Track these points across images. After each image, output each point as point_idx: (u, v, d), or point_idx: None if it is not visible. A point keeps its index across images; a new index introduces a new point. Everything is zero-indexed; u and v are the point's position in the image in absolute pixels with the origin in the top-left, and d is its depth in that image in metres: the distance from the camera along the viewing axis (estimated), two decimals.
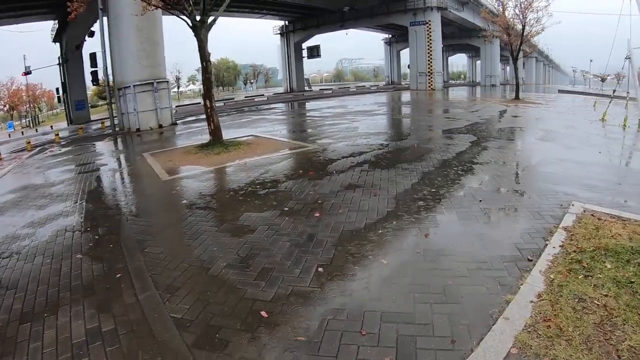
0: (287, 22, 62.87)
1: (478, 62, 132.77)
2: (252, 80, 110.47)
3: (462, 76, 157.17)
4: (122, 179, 10.08)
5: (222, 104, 37.55)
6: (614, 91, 22.56)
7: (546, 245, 4.82)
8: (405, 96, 38.88)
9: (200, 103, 43.33)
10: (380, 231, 5.30)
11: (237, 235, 5.40)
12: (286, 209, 6.32)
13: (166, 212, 6.95)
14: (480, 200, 6.37)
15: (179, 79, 79.04)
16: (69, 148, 16.74)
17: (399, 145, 11.28)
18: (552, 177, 7.70)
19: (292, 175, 8.45)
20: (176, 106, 43.91)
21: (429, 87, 48.87)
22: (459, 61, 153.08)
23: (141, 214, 6.84)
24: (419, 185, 7.33)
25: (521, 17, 29.28)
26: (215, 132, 12.26)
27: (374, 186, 7.33)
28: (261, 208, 6.44)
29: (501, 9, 30.29)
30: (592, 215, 5.80)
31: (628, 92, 18.12)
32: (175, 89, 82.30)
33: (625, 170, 8.91)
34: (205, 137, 13.62)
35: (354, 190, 7.10)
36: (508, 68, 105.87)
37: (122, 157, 13.35)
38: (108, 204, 7.72)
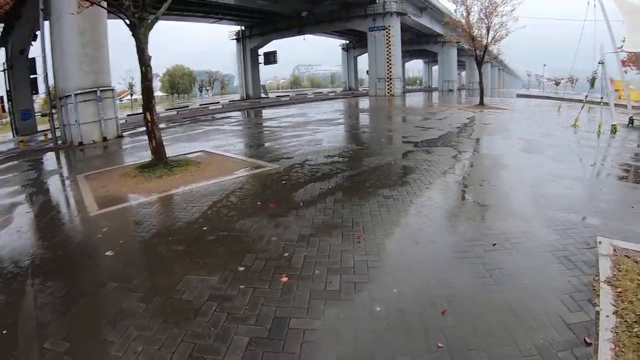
0: (243, 28, 61.02)
1: (434, 67, 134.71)
2: (208, 88, 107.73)
3: (418, 81, 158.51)
4: (43, 215, 7.71)
5: (175, 112, 35.46)
6: (587, 96, 21.89)
7: (597, 313, 3.53)
8: (366, 103, 37.68)
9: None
10: (378, 309, 3.73)
11: (173, 322, 3.66)
12: (241, 268, 4.62)
13: (85, 272, 4.94)
14: (495, 244, 4.96)
15: (132, 85, 75.53)
16: None
17: (373, 163, 9.80)
18: (558, 202, 6.55)
19: (248, 210, 6.79)
20: (128, 115, 41.47)
21: (388, 92, 48.06)
22: (414, 67, 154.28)
23: (54, 274, 4.89)
24: (412, 222, 5.90)
25: (486, 21, 28.55)
26: (158, 151, 10.40)
27: (354, 225, 5.75)
28: (208, 267, 4.71)
29: (465, 13, 29.38)
30: (626, 256, 4.64)
31: (602, 98, 17.35)
32: (129, 96, 78.92)
33: (632, 189, 7.70)
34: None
35: (330, 234, 5.49)
36: (463, 73, 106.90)
37: (53, 181, 11.18)
38: (14, 257, 5.58)
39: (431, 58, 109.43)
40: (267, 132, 17.26)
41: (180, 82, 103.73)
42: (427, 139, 13.38)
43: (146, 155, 11.52)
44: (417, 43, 74.61)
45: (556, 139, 13.82)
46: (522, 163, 9.90)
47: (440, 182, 8.03)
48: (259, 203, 7.12)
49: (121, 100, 79.91)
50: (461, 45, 79.92)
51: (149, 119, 10.45)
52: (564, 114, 23.87)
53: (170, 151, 11.75)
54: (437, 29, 70.58)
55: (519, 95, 52.23)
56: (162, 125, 23.04)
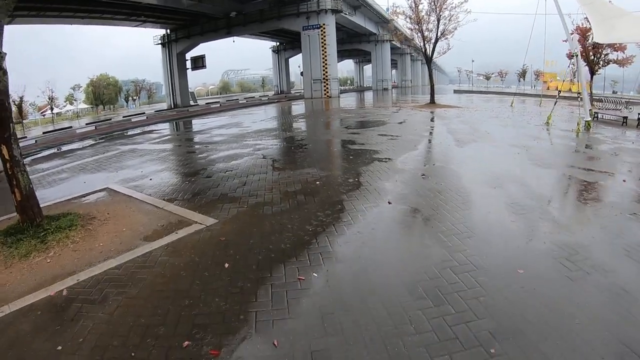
0: (169, 31, 55.95)
1: (365, 67, 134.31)
2: (135, 97, 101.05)
3: (349, 82, 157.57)
4: None
5: (93, 128, 30.56)
6: (560, 92, 19.67)
7: None
8: (304, 106, 34.15)
9: (69, 127, 36.12)
10: None
11: None
12: None
13: None
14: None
15: (52, 99, 68.31)
16: None
17: (355, 209, 6.25)
18: None
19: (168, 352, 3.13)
20: (43, 132, 36.15)
21: (325, 94, 44.98)
22: (344, 67, 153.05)
23: None
24: None
25: (437, 12, 25.76)
26: (25, 208, 6.21)
27: None
28: None
29: (414, 5, 26.40)
30: None
31: (579, 93, 15.19)
32: (49, 111, 71.65)
33: None
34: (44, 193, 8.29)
35: None
36: (394, 72, 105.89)
37: None
38: None
39: (362, 57, 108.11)
40: (196, 150, 13.29)
41: (105, 92, 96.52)
42: (401, 152, 10.15)
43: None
44: (349, 42, 72.17)
45: (546, 143, 11.81)
46: (550, 185, 6.85)
47: (459, 244, 4.69)
48: (183, 344, 3.36)
49: (43, 116, 72.86)
50: (394, 44, 79.65)
51: (6, 156, 6.38)
52: (519, 108, 23.56)
53: (64, 190, 8.99)
54: (371, 27, 68.53)
55: (456, 92, 50.71)
56: (72, 146, 18.98)
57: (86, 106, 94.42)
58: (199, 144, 14.49)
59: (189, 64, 57.70)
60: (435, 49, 27.29)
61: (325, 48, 44.38)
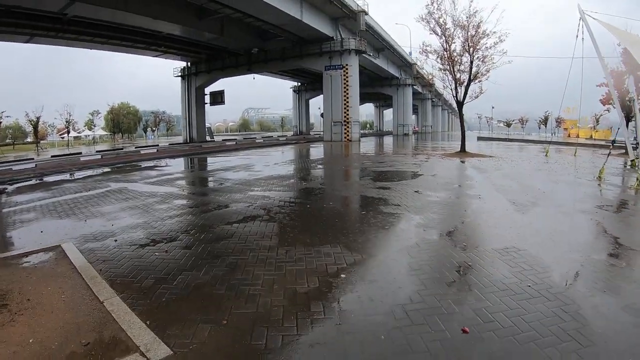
0: (189, 64, 54.84)
1: (386, 111, 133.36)
2: (154, 129, 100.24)
3: (368, 125, 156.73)
4: None
5: (100, 157, 28.61)
6: (614, 141, 17.27)
7: None
8: (322, 150, 31.71)
9: (78, 153, 34.20)
10: None
11: None
12: None
13: None
14: None
15: (69, 122, 67.24)
16: None
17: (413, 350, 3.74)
18: None
19: None
20: (52, 156, 34.63)
21: (346, 137, 42.69)
22: (364, 110, 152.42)
23: None
24: None
25: (470, 52, 23.39)
26: None
27: None
28: None
29: (446, 44, 24.06)
30: None
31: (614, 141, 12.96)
32: (66, 135, 70.66)
33: None
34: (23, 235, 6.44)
35: None
36: (414, 117, 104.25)
37: None
38: None
39: (383, 102, 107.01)
40: (189, 200, 10.73)
41: (124, 121, 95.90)
42: (454, 221, 7.55)
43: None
44: (371, 86, 70.41)
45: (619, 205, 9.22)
46: None
47: None
48: None
49: (62, 138, 71.94)
50: (415, 89, 78.12)
51: None
52: (555, 158, 21.69)
53: (15, 238, 7.44)
54: (393, 70, 67.08)
55: (481, 139, 48.30)
56: (64, 177, 17.19)
57: (104, 133, 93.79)
58: (196, 192, 11.96)
59: (207, 99, 56.43)
60: (467, 92, 24.80)
61: (347, 89, 42.41)
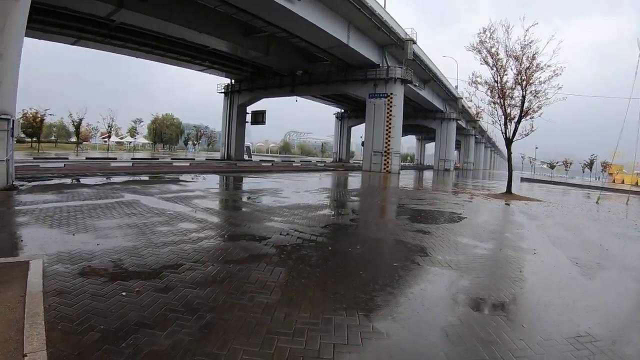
0: (233, 81, 54.71)
1: (427, 144, 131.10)
2: (195, 142, 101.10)
3: (409, 158, 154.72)
4: None
5: (130, 164, 28.07)
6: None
7: None
8: (360, 180, 30.21)
9: (113, 159, 33.78)
10: None
11: None
12: None
13: None
14: None
15: (111, 126, 68.33)
16: None
17: None
18: None
19: None
20: (86, 158, 35.54)
21: (385, 169, 41.04)
22: (405, 142, 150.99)
23: None
24: None
25: (523, 86, 21.53)
26: None
27: None
28: None
29: (498, 75, 22.25)
30: None
31: None
32: (107, 138, 71.90)
33: None
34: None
35: None
36: (456, 152, 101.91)
37: None
38: None
39: (425, 135, 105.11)
40: (198, 224, 9.29)
41: (167, 132, 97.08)
42: (514, 287, 5.84)
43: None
44: (414, 118, 68.88)
45: None
46: None
47: None
48: None
49: (105, 142, 73.19)
50: (460, 124, 76.08)
51: None
52: (607, 206, 20.06)
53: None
54: (438, 103, 65.46)
55: (524, 180, 45.86)
56: (86, 180, 16.64)
57: (146, 141, 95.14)
58: (208, 216, 10.57)
59: (249, 118, 55.85)
60: (517, 129, 22.81)
61: (390, 119, 40.97)
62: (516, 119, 22.37)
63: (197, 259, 6.33)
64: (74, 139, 63.40)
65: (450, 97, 66.67)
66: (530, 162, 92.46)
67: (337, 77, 44.36)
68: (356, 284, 5.61)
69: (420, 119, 70.91)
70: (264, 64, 45.37)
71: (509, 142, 23.23)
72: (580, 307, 5.27)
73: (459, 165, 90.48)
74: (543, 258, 7.87)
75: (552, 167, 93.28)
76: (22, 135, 60.24)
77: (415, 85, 50.19)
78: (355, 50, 37.22)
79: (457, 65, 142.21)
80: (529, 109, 21.91)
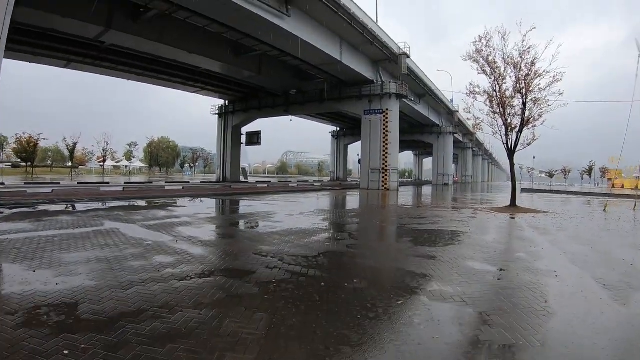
0: (226, 102, 54.08)
1: (425, 160, 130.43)
2: (192, 165, 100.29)
3: (407, 174, 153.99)
4: None
5: (121, 189, 27.09)
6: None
7: None
8: (358, 199, 29.31)
9: (106, 183, 32.86)
10: None
11: None
12: None
13: None
14: None
15: (105, 150, 67.77)
16: None
17: None
18: None
19: None
20: (78, 183, 35.08)
21: (383, 186, 40.10)
22: (402, 158, 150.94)
23: None
24: None
25: (523, 94, 20.71)
26: None
27: None
28: None
29: (497, 84, 21.43)
30: None
31: None
32: (103, 162, 71.29)
33: None
34: None
35: None
36: (454, 166, 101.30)
37: None
38: None
39: (422, 150, 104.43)
40: (172, 261, 7.91)
41: (163, 155, 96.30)
42: (535, 325, 4.89)
43: None
44: (410, 133, 68.13)
45: None
46: None
47: None
48: None
49: (101, 166, 72.47)
50: (456, 137, 75.41)
51: None
52: (615, 213, 19.57)
53: None
54: (434, 118, 64.89)
55: (525, 190, 44.98)
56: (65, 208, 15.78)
57: (142, 165, 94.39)
58: (189, 246, 9.50)
59: (244, 139, 55.11)
60: (519, 139, 21.90)
61: (387, 135, 40.15)
62: (517, 129, 21.54)
63: (164, 303, 5.32)
64: (70, 163, 62.65)
65: (446, 111, 66.13)
66: (529, 172, 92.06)
67: (331, 95, 43.69)
68: (351, 332, 4.60)
69: (417, 134, 70.25)
70: (257, 84, 44.71)
71: (511, 153, 22.33)
72: (625, 349, 4.30)
73: (457, 179, 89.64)
74: (566, 281, 6.90)
75: (551, 175, 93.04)
76: (18, 160, 59.79)
77: (411, 100, 49.55)
78: (348, 66, 36.56)
79: (451, 79, 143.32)
80: (530, 118, 21.10)
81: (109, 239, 9.61)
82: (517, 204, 21.66)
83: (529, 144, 22.55)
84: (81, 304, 5.19)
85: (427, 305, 5.55)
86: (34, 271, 6.65)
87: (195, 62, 36.20)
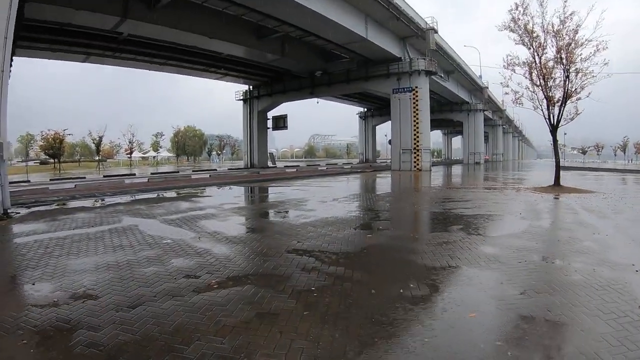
0: (251, 87, 52.91)
1: (454, 138, 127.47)
2: (219, 152, 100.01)
3: (436, 153, 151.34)
4: None
5: (146, 180, 26.39)
6: None
7: None
8: (390, 181, 27.89)
9: (132, 174, 32.39)
10: None
11: None
12: None
13: None
14: None
15: (131, 142, 67.85)
16: None
17: None
18: None
19: None
20: (104, 176, 34.25)
21: (415, 167, 38.47)
22: (431, 138, 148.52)
23: None
24: None
25: (565, 64, 18.91)
26: None
27: None
28: None
29: (536, 55, 19.68)
30: None
31: None
32: (129, 155, 71.46)
33: None
34: None
35: None
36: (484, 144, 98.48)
37: None
38: None
39: (452, 129, 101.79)
40: (192, 265, 6.60)
41: (190, 143, 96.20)
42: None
43: None
44: (439, 112, 65.85)
45: None
46: None
47: None
48: None
49: (129, 158, 72.67)
50: (486, 115, 72.83)
51: None
52: None
53: None
54: (463, 95, 62.49)
55: (562, 168, 42.77)
56: (86, 204, 15.64)
57: (170, 154, 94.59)
58: (216, 242, 8.34)
59: (270, 124, 53.91)
60: (562, 113, 20.09)
61: (417, 114, 38.42)
62: (560, 102, 19.78)
63: (178, 327, 4.20)
64: (98, 157, 62.92)
65: (475, 88, 63.64)
66: (560, 149, 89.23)
67: (358, 75, 41.99)
68: None
69: (446, 112, 67.89)
70: (281, 67, 43.32)
71: (554, 128, 20.56)
72: None
73: (487, 157, 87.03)
74: None
75: (583, 152, 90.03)
76: (46, 157, 60.27)
77: (440, 77, 47.58)
78: (374, 43, 34.84)
79: (479, 54, 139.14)
80: (574, 90, 19.32)
81: (125, 239, 8.59)
82: (561, 183, 20.01)
83: (572, 119, 20.77)
84: (76, 331, 4.14)
85: (515, 322, 4.25)
86: (33, 284, 5.72)
87: (217, 47, 35.02)
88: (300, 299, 5.01)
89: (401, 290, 5.28)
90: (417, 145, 38.67)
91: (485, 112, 69.96)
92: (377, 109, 68.84)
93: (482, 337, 3.93)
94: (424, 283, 5.56)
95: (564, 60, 18.94)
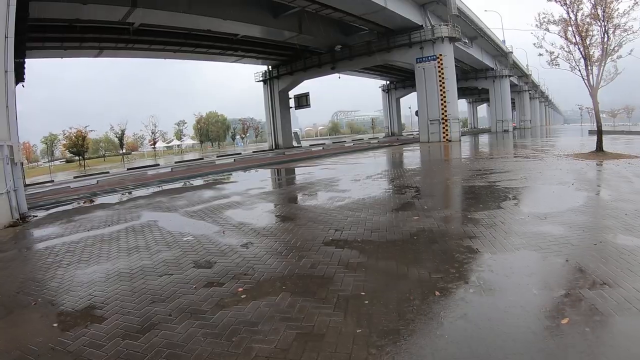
0: (270, 67, 51.68)
1: (479, 107, 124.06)
2: (243, 136, 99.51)
3: (461, 123, 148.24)
4: None
5: (169, 170, 25.75)
6: None
7: None
8: (419, 154, 26.32)
9: (155, 165, 31.84)
10: None
11: None
12: None
13: None
14: None
15: (154, 133, 67.94)
16: None
17: None
18: None
19: None
20: (128, 169, 33.72)
21: (445, 137, 36.96)
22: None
23: None
24: None
25: (603, 21, 17.36)
26: None
27: None
28: None
29: (572, 11, 18.13)
30: None
31: None
32: (152, 145, 71.63)
33: None
34: None
35: None
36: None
37: None
38: None
39: (477, 97, 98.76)
40: (220, 271, 5.78)
41: (213, 129, 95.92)
42: None
43: None
44: (464, 80, 63.49)
45: None
46: None
47: None
48: None
49: (153, 148, 72.84)
50: (512, 81, 70.18)
51: None
52: None
53: None
54: (488, 61, 60.09)
55: (591, 132, 40.76)
56: (108, 199, 14.81)
57: (193, 142, 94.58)
58: (244, 236, 7.39)
59: (292, 103, 52.75)
60: (602, 73, 18.52)
61: (443, 83, 36.71)
62: (599, 62, 18.18)
63: None
64: (123, 151, 63.12)
65: (499, 53, 61.10)
66: (589, 112, 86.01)
67: (380, 46, 40.24)
68: None
69: (471, 80, 65.50)
70: (300, 44, 41.86)
71: (594, 90, 18.95)
72: None
73: (514, 124, 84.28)
74: None
75: (614, 116, 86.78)
76: (71, 155, 60.70)
77: (464, 43, 45.53)
78: (394, 12, 33.08)
79: (501, 19, 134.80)
80: (612, 48, 17.74)
81: (141, 239, 7.73)
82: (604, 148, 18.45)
83: (612, 79, 19.22)
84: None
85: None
86: (34, 304, 4.91)
87: (232, 29, 33.92)
88: (349, 310, 3.99)
89: (472, 290, 4.22)
90: (445, 115, 37.03)
91: (510, 77, 67.39)
92: (400, 81, 66.99)
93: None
94: (488, 279, 4.46)
95: (601, 16, 17.39)
